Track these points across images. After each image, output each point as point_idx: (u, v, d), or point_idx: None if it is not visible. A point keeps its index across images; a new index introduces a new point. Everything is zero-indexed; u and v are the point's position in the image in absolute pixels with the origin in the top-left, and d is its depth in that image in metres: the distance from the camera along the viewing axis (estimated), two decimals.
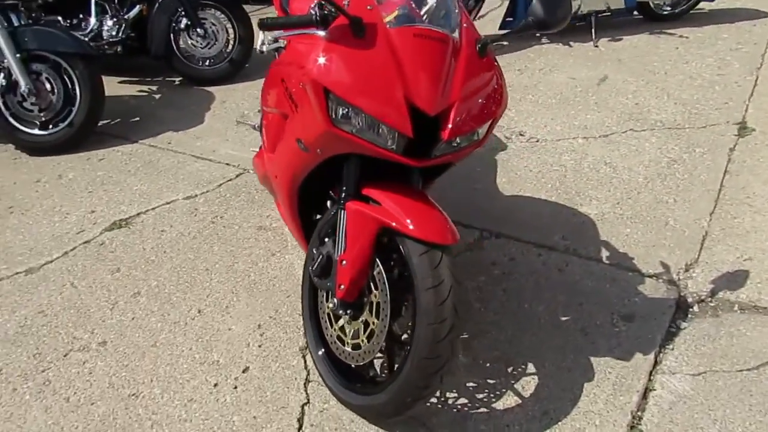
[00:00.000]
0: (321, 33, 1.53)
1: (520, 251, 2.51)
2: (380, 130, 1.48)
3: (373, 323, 1.68)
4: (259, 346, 2.10)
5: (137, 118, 4.06)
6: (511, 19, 4.83)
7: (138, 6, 4.41)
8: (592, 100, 3.78)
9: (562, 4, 1.64)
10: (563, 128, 3.47)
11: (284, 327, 2.18)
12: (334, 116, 1.49)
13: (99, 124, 3.75)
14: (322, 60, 1.49)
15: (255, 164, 2.58)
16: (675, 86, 3.87)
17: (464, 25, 1.65)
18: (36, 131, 3.57)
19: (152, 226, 2.82)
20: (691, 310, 2.15)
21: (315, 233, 1.85)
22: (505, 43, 4.55)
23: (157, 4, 4.30)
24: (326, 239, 1.79)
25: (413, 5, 1.63)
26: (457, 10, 1.64)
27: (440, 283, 1.54)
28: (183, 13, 4.32)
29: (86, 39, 4.06)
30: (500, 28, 4.89)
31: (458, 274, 1.61)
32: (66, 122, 3.55)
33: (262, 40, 2.06)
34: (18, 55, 3.43)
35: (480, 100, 1.60)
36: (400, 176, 1.70)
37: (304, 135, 1.68)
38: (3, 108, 3.51)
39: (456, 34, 1.61)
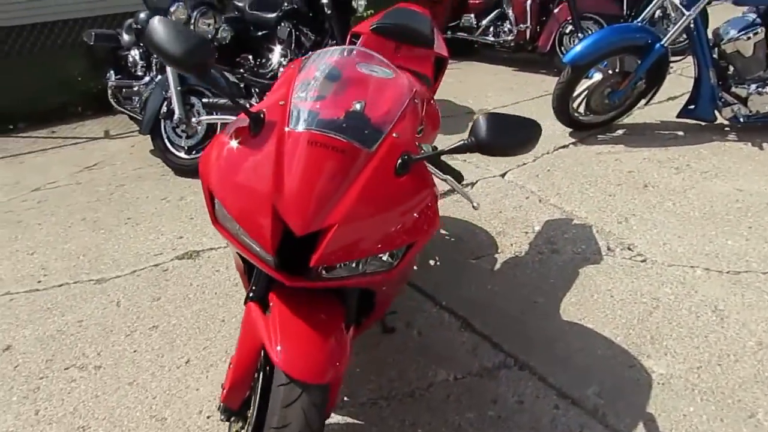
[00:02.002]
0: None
1: (536, 395, 2.09)
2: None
3: None
4: (208, 417, 2.06)
5: None
6: (693, 107, 4.14)
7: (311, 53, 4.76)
8: (745, 224, 3.03)
9: (514, 128, 1.33)
10: (686, 252, 2.83)
11: None
12: (216, 215, 1.40)
13: None
14: (213, 155, 1.40)
15: None
16: None
17: (394, 135, 1.42)
18: (182, 155, 4.02)
19: (212, 263, 2.97)
20: None
21: None
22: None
23: None
24: None
25: (334, 106, 1.46)
26: (393, 117, 1.43)
27: (285, 425, 1.33)
28: None
29: (267, 78, 4.50)
30: (679, 116, 4.22)
31: (318, 421, 1.38)
32: None
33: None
34: (179, 88, 3.91)
35: (380, 226, 1.35)
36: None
37: None
38: (163, 131, 4.03)
39: (370, 146, 1.39)
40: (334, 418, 2.02)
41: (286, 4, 4.92)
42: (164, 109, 3.97)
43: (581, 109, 4.30)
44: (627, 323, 2.40)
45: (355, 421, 2.02)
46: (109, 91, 4.36)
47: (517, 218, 3.22)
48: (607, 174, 3.69)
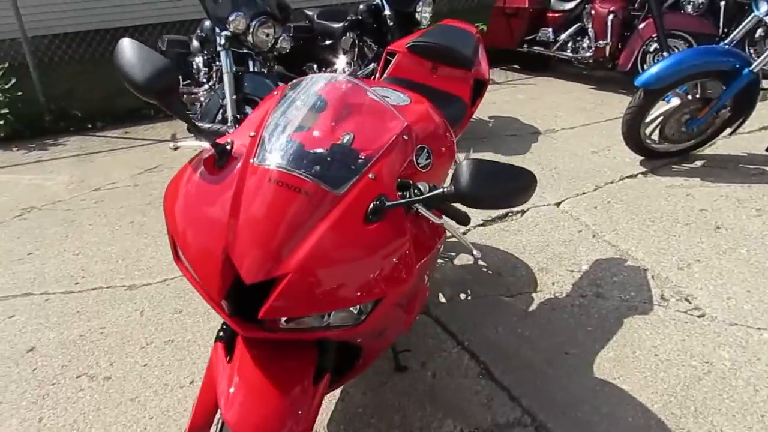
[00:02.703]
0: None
1: None
2: None
3: None
4: None
5: None
6: None
7: (373, 64, 4.68)
8: None
9: (502, 178, 1.15)
10: (754, 310, 2.48)
11: None
12: (176, 253, 1.30)
13: None
14: (175, 187, 1.31)
15: None
16: None
17: (369, 176, 1.27)
18: None
19: None
20: None
21: None
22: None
23: None
24: None
25: (308, 140, 1.33)
26: (372, 156, 1.28)
27: None
28: None
29: None
30: None
31: None
32: None
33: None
34: (234, 96, 3.93)
35: (342, 278, 1.21)
36: None
37: None
38: None
39: (339, 188, 1.25)
40: None
41: (351, 15, 4.88)
42: (220, 116, 4.00)
43: (654, 137, 3.95)
44: (669, 389, 2.12)
45: None
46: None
47: (564, 254, 2.97)
48: (675, 211, 3.34)
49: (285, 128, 1.33)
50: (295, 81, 1.49)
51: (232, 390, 1.29)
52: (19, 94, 5.26)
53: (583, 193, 3.61)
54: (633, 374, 2.20)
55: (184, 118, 1.26)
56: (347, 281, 1.20)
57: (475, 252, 1.48)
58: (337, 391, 2.18)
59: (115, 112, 5.57)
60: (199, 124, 1.36)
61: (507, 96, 5.74)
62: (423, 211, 1.35)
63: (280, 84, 4.04)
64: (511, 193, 1.19)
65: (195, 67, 4.49)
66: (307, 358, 1.41)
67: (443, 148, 1.75)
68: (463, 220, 1.47)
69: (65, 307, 2.77)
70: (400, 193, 1.34)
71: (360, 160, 1.30)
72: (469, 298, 2.70)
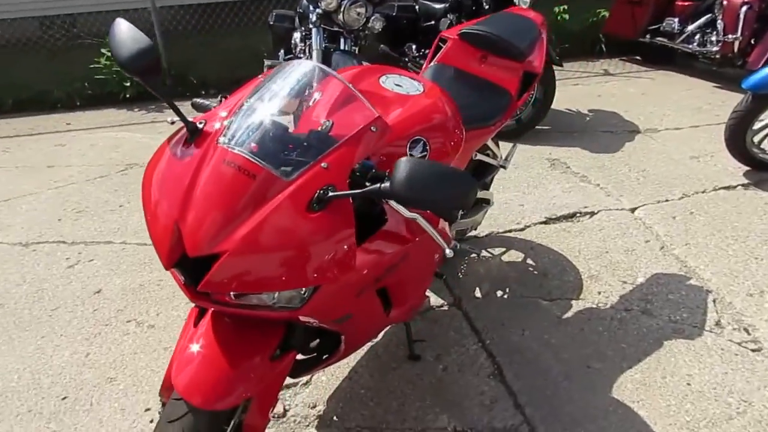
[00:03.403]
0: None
1: None
2: None
3: None
4: None
5: None
6: None
7: None
8: None
9: (437, 181, 1.12)
10: None
11: None
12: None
13: None
14: (155, 156, 1.40)
15: None
16: None
17: (322, 165, 1.28)
18: None
19: None
20: None
21: None
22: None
23: None
24: None
25: (273, 125, 1.36)
26: (329, 145, 1.29)
27: None
28: None
29: None
30: None
31: None
32: None
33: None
34: None
35: (279, 261, 1.24)
36: None
37: None
38: None
39: (288, 175, 1.27)
40: None
41: None
42: None
43: (765, 145, 3.54)
44: (691, 423, 1.94)
45: None
46: (265, 69, 4.65)
47: (621, 263, 2.78)
48: (766, 231, 2.99)
49: (254, 112, 1.37)
50: (279, 65, 1.52)
51: (187, 353, 1.38)
52: None
53: (666, 201, 3.33)
54: (655, 400, 2.04)
55: (161, 95, 1.34)
56: (282, 265, 1.23)
57: (447, 251, 1.44)
58: (346, 369, 2.23)
59: (231, 81, 5.94)
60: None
61: (616, 89, 5.38)
62: (393, 204, 1.34)
63: (365, 63, 4.10)
64: (445, 198, 1.15)
65: (293, 42, 4.66)
66: (270, 333, 1.46)
67: (447, 142, 1.71)
68: (447, 217, 1.44)
69: (136, 257, 3.05)
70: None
71: (316, 149, 1.32)
72: (506, 296, 2.62)
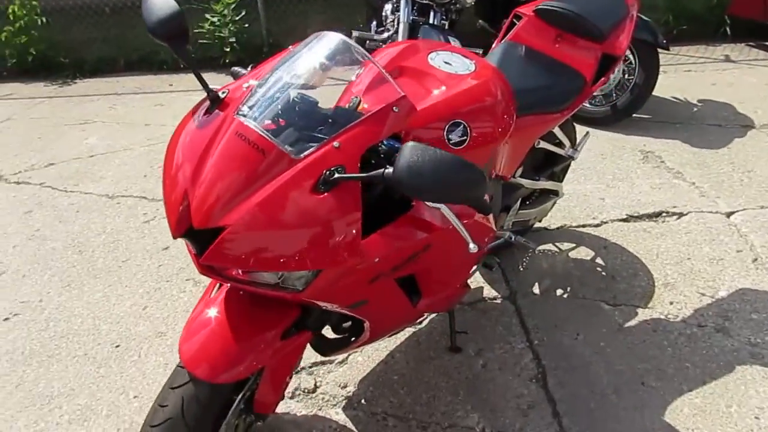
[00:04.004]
0: None
1: None
2: None
3: None
4: None
5: None
6: None
7: None
8: None
9: (440, 169, 1.01)
10: None
11: None
12: None
13: None
14: (180, 124, 1.38)
15: None
16: None
17: (334, 144, 1.21)
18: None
19: None
20: None
21: None
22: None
23: None
24: None
25: (288, 101, 1.30)
26: (345, 124, 1.21)
27: (163, 405, 1.33)
28: None
29: None
30: None
31: (198, 416, 1.34)
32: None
33: None
34: None
35: (281, 241, 1.18)
36: None
37: None
38: None
39: (298, 153, 1.20)
40: (337, 415, 1.94)
41: None
42: None
43: None
44: None
45: (353, 428, 1.91)
46: (353, 40, 4.59)
47: (703, 273, 2.51)
48: None
49: (275, 84, 1.32)
50: (309, 38, 1.45)
51: (197, 322, 1.39)
52: (246, 26, 5.92)
53: None
54: (712, 430, 1.82)
55: (188, 62, 1.32)
56: (283, 245, 1.18)
57: (471, 245, 1.34)
58: (384, 353, 2.19)
59: None
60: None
61: (735, 77, 4.85)
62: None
63: (451, 39, 3.96)
64: (447, 189, 1.04)
65: (384, 14, 4.57)
66: (284, 312, 1.44)
67: (492, 127, 1.58)
68: (482, 208, 1.33)
69: None
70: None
71: (331, 128, 1.25)
72: (566, 295, 2.45)
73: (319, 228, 1.18)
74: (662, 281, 2.49)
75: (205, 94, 1.37)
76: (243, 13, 5.88)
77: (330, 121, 1.29)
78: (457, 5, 4.14)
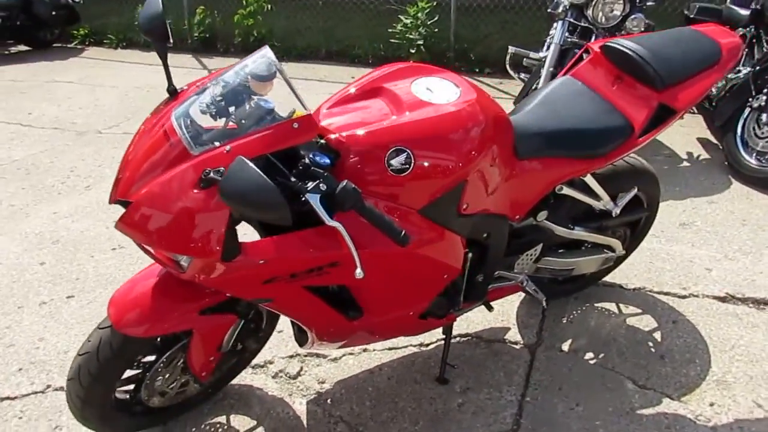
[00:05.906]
0: None
1: None
2: None
3: None
4: None
5: None
6: None
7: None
8: None
9: (247, 185, 1.08)
10: None
11: None
12: None
13: None
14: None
15: None
16: None
17: (226, 149, 1.31)
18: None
19: None
20: None
21: None
22: None
23: None
24: None
25: (216, 105, 1.44)
26: (243, 131, 1.32)
27: (88, 340, 1.59)
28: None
29: None
30: None
31: (106, 362, 1.57)
32: None
33: None
34: (552, 70, 3.78)
35: (166, 224, 1.34)
36: None
37: None
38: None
39: (195, 150, 1.34)
40: (299, 406, 2.05)
41: (754, 3, 3.89)
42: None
43: None
44: None
45: (304, 422, 2.00)
46: (509, 56, 4.47)
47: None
48: None
49: (210, 89, 1.46)
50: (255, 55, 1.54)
51: (137, 276, 1.63)
52: (435, 30, 6.12)
53: None
54: None
55: (161, 56, 1.52)
56: (165, 226, 1.33)
57: (357, 271, 1.34)
58: (374, 362, 2.23)
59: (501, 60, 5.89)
60: None
61: None
62: (313, 203, 1.31)
63: None
64: (249, 205, 1.11)
65: (551, 32, 4.39)
66: (206, 293, 1.59)
67: (446, 160, 1.52)
68: (392, 234, 1.32)
69: None
70: None
71: (232, 134, 1.35)
72: (594, 361, 2.22)
73: (188, 219, 1.32)
74: (718, 377, 2.11)
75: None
76: (436, 18, 6.09)
77: (239, 127, 1.41)
78: (623, 32, 3.82)
